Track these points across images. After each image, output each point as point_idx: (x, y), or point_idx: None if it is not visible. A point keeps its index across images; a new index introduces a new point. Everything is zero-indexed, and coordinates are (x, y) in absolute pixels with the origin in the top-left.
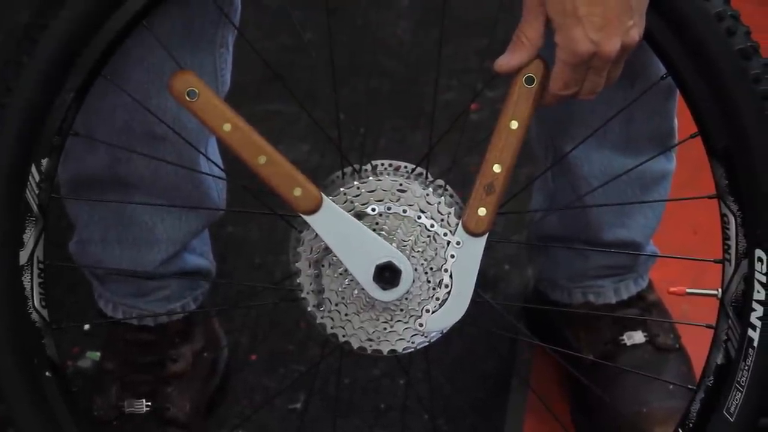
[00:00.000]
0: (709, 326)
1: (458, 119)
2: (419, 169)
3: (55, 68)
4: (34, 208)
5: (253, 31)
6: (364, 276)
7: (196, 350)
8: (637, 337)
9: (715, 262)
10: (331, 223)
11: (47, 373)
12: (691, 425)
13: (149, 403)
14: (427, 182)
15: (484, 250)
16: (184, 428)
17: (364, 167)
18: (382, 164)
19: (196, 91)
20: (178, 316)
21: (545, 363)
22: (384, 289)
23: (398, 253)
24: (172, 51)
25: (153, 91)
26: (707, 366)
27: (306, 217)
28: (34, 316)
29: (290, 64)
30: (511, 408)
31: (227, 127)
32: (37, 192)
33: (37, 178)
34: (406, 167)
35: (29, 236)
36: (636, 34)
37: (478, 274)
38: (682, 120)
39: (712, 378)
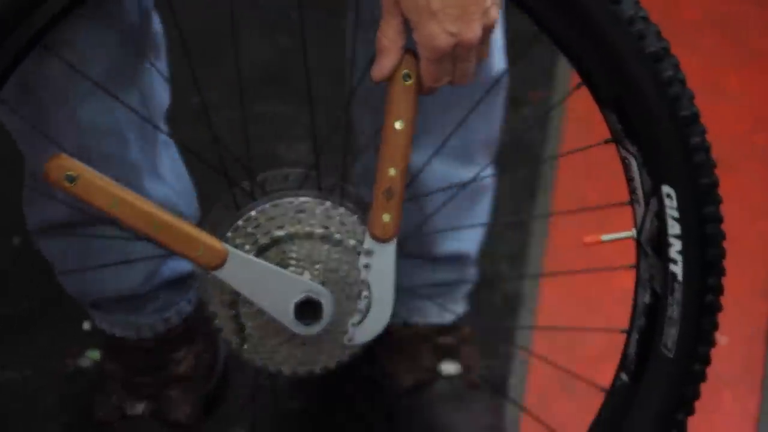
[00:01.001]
0: (631, 267)
1: (339, 118)
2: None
3: None
4: None
5: (251, 31)
6: (285, 316)
7: (197, 352)
8: (453, 368)
9: (624, 204)
10: (240, 271)
11: None
12: (633, 367)
13: (151, 406)
14: (322, 191)
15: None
16: (185, 430)
17: (248, 186)
18: (272, 176)
19: (74, 174)
20: (175, 321)
21: (543, 363)
22: (307, 324)
23: (314, 286)
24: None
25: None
26: (636, 306)
27: (215, 273)
28: None
29: (288, 64)
30: (508, 408)
31: (115, 203)
32: None
33: None
34: (295, 173)
35: None
36: (495, 12)
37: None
38: None
39: (643, 318)
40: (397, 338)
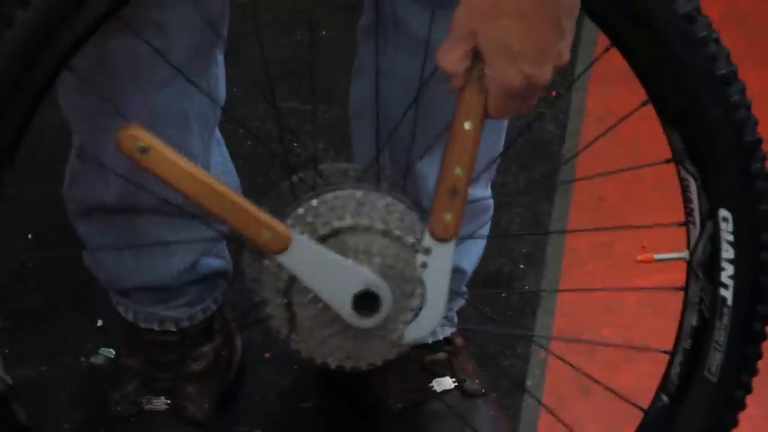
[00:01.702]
0: (680, 288)
1: (404, 116)
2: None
3: None
4: None
5: (269, 28)
6: (343, 307)
7: (216, 349)
8: (446, 382)
9: (679, 225)
10: (303, 258)
11: None
12: (674, 389)
13: (168, 401)
14: (381, 185)
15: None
16: (201, 426)
17: (310, 175)
18: (328, 169)
19: (146, 146)
20: (200, 317)
21: (561, 363)
22: (365, 316)
23: (375, 278)
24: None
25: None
26: (682, 329)
27: (277, 257)
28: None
29: (306, 60)
30: (525, 407)
31: (185, 179)
32: None
33: None
34: (353, 168)
35: None
36: (567, 54)
37: (494, 274)
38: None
39: (689, 340)
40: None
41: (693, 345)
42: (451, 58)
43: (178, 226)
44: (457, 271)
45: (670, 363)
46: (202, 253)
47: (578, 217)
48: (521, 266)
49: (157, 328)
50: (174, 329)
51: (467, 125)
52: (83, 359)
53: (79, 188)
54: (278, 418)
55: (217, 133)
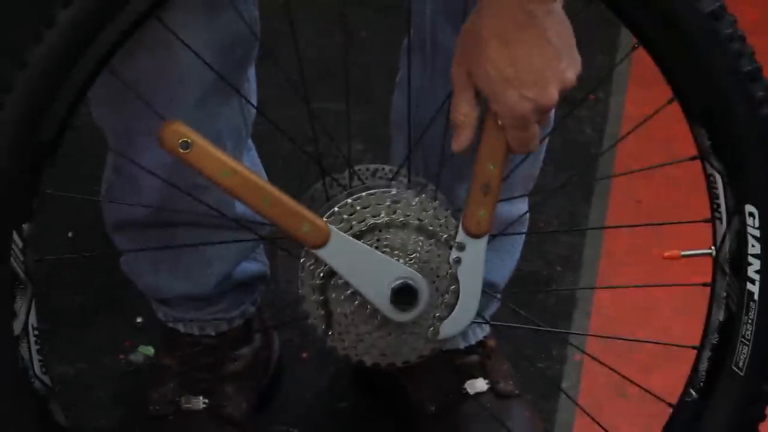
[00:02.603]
0: (706, 284)
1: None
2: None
3: (23, 135)
4: (21, 275)
5: (306, 29)
6: (381, 301)
7: (254, 350)
8: (480, 385)
9: (705, 221)
10: (341, 253)
11: None
12: (701, 384)
13: (206, 401)
14: (412, 184)
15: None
16: (238, 426)
17: (343, 176)
18: (359, 169)
19: (189, 141)
20: (238, 321)
21: (596, 366)
22: (402, 310)
23: (412, 272)
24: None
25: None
26: (709, 324)
27: (316, 252)
28: (37, 384)
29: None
30: (561, 410)
31: (226, 174)
32: (22, 258)
33: (20, 244)
34: (384, 169)
35: (20, 305)
36: (572, 73)
37: (531, 275)
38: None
39: (716, 335)
40: (417, 364)
41: (720, 340)
42: (461, 110)
43: (213, 237)
44: (488, 285)
45: (698, 358)
46: (239, 261)
47: (615, 220)
48: (558, 268)
49: (197, 333)
50: (213, 333)
51: (491, 167)
52: (122, 357)
53: (113, 199)
54: (314, 418)
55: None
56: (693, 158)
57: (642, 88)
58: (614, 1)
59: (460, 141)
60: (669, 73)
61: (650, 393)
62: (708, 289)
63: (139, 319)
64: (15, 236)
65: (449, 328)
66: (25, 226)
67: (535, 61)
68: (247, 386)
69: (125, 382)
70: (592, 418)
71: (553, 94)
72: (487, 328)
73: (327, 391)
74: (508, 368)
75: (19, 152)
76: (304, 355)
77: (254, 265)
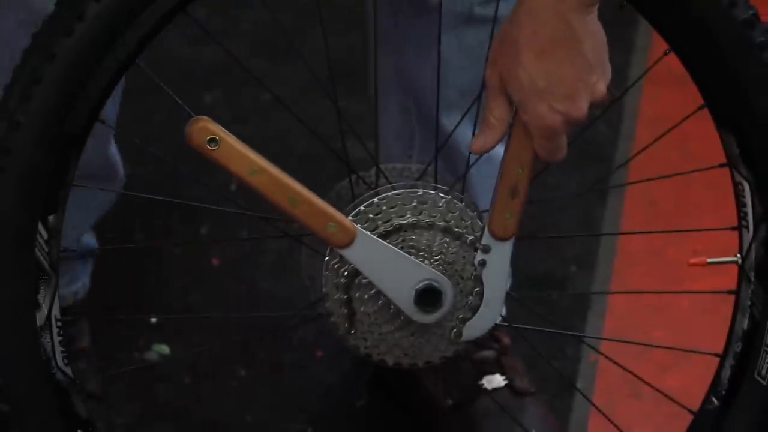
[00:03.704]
0: (731, 292)
1: (463, 117)
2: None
3: (52, 123)
4: (46, 266)
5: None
6: (405, 302)
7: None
8: (497, 380)
9: (731, 229)
10: (367, 253)
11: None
12: (723, 392)
13: None
14: (437, 185)
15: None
16: (100, 400)
17: (369, 174)
18: (386, 168)
19: (217, 138)
20: (81, 294)
21: (611, 365)
22: (426, 312)
23: (437, 274)
24: None
25: None
26: (733, 332)
27: (341, 251)
28: (59, 376)
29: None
30: (575, 409)
31: (253, 172)
32: (47, 250)
33: (45, 235)
34: (410, 169)
35: (44, 296)
36: (602, 86)
37: (545, 275)
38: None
39: (740, 343)
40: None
41: (743, 348)
42: (494, 113)
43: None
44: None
45: (721, 365)
46: (91, 224)
47: (631, 221)
48: (572, 268)
49: None
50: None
51: (519, 170)
52: (137, 355)
53: None
54: (330, 417)
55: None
56: (721, 165)
57: (658, 86)
58: (646, 7)
59: (485, 142)
60: (699, 80)
61: (665, 395)
62: (725, 292)
63: (153, 319)
64: (40, 227)
65: (472, 329)
66: (50, 218)
67: (568, 74)
68: (94, 362)
69: (140, 379)
70: (607, 417)
71: (583, 107)
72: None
73: (342, 389)
74: (522, 366)
75: (47, 144)
76: (319, 353)
77: (90, 238)
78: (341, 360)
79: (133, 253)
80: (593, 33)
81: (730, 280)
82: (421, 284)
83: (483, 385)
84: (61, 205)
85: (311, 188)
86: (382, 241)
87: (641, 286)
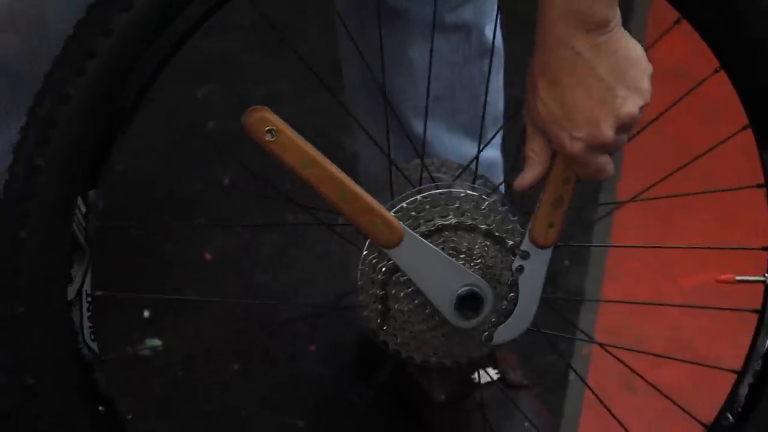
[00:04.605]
0: (755, 311)
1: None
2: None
3: (104, 98)
4: (82, 241)
5: (317, 21)
6: (446, 306)
7: None
8: (490, 374)
9: (762, 249)
10: (412, 254)
11: (100, 408)
12: (739, 409)
13: None
14: (480, 184)
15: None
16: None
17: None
18: (431, 163)
19: (274, 129)
20: None
21: (604, 359)
22: (466, 317)
23: (480, 281)
24: None
25: None
26: (754, 350)
27: (388, 251)
28: (85, 350)
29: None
30: (568, 403)
31: (306, 165)
32: (84, 225)
33: (84, 210)
34: (451, 163)
35: (77, 270)
36: (631, 107)
37: None
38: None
39: (760, 362)
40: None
41: (763, 367)
42: (531, 146)
43: None
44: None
45: (738, 382)
46: None
47: (624, 215)
48: (566, 262)
49: None
50: None
51: (565, 182)
52: (130, 349)
53: None
54: (322, 410)
55: None
56: (759, 186)
57: (656, 84)
58: (701, 26)
59: (525, 177)
60: (746, 98)
61: (658, 390)
62: (750, 311)
63: (146, 313)
64: (80, 201)
65: (504, 334)
66: (90, 193)
67: (583, 100)
68: None
69: (133, 373)
70: (603, 405)
71: (606, 133)
72: None
73: (334, 383)
74: (515, 359)
75: (95, 118)
76: (313, 347)
77: None
78: (335, 354)
79: (127, 247)
80: (612, 54)
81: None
82: (464, 289)
83: (476, 378)
84: (102, 180)
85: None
86: (429, 244)
87: (635, 280)
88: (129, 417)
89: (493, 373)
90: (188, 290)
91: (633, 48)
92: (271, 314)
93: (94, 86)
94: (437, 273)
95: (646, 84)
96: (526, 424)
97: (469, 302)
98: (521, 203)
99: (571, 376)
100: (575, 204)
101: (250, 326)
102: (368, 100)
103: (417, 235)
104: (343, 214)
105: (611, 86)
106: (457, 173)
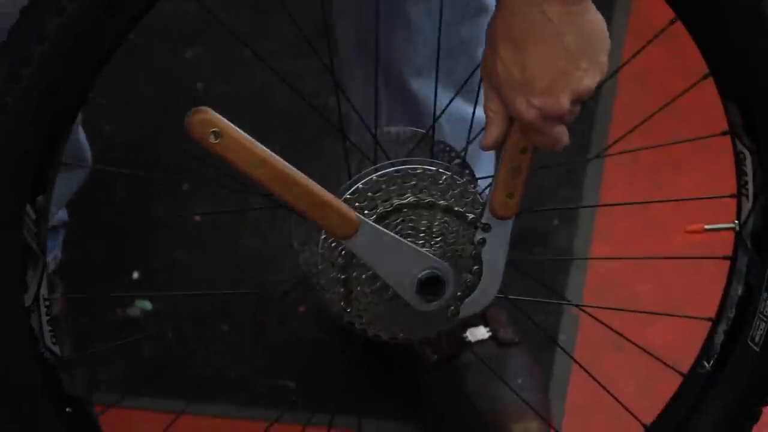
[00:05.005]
0: (726, 258)
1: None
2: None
3: (42, 104)
4: (34, 247)
5: None
6: (407, 290)
7: (64, 297)
8: (480, 332)
9: (730, 197)
10: (369, 242)
11: (67, 409)
12: (715, 356)
13: None
14: (439, 150)
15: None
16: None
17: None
18: (383, 135)
19: (219, 131)
20: (53, 266)
21: (592, 319)
22: (428, 300)
23: (440, 263)
24: None
25: None
26: (728, 297)
27: (344, 242)
28: (47, 355)
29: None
30: (557, 362)
31: (256, 165)
32: (35, 231)
33: (34, 216)
34: (406, 132)
35: (32, 277)
36: (590, 80)
37: (527, 229)
38: None
39: (734, 309)
40: None
41: (737, 314)
42: (491, 106)
43: None
44: None
45: (713, 330)
46: (63, 204)
47: (612, 175)
48: (555, 222)
49: None
50: None
51: (522, 151)
52: (120, 311)
53: None
54: (312, 372)
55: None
56: (723, 133)
57: (640, 41)
58: None
59: (488, 137)
60: (705, 48)
61: (648, 352)
62: (721, 258)
63: (135, 274)
64: (28, 208)
65: (470, 307)
66: (39, 198)
67: (546, 67)
68: (65, 331)
69: (123, 336)
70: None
71: (563, 104)
72: None
73: (325, 345)
74: (506, 317)
75: (36, 123)
76: (302, 308)
77: (63, 212)
78: (324, 315)
79: (116, 211)
80: (580, 25)
81: (707, 236)
82: (424, 273)
83: (467, 337)
84: (50, 185)
85: (294, 145)
86: (385, 230)
87: (623, 239)
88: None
89: (484, 331)
90: (177, 252)
91: (599, 20)
92: (260, 276)
93: (30, 93)
94: (396, 259)
95: (605, 58)
96: (519, 381)
97: (430, 286)
98: None
99: (561, 336)
100: (563, 160)
101: (238, 287)
102: (361, 60)
103: (373, 223)
104: (297, 210)
105: (575, 57)
106: (412, 143)
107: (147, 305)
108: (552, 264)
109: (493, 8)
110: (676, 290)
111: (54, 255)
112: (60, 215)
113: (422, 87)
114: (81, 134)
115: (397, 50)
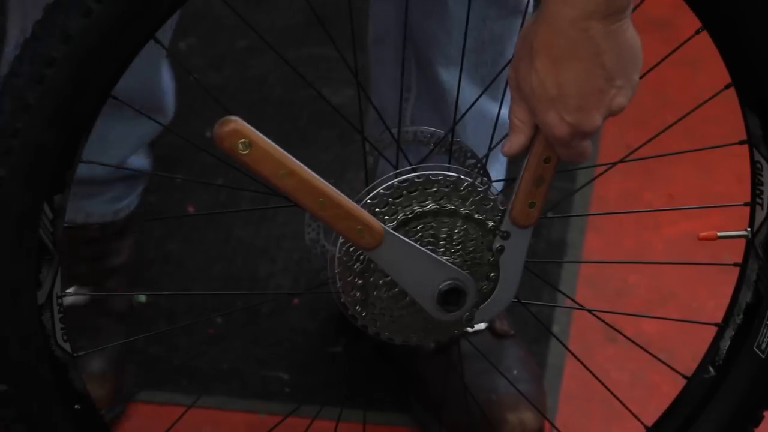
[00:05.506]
0: (736, 264)
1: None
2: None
3: (64, 104)
4: (49, 245)
5: None
6: (428, 301)
7: (131, 245)
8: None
9: (744, 205)
10: (394, 254)
11: (76, 406)
12: (720, 362)
13: (89, 294)
14: (457, 156)
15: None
16: (120, 318)
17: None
18: (405, 131)
19: (248, 141)
20: (124, 214)
21: (586, 313)
22: (448, 310)
23: (462, 274)
24: None
25: None
26: (735, 304)
27: (369, 253)
28: (58, 352)
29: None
30: (552, 353)
31: (283, 175)
32: (51, 230)
33: (51, 215)
34: (424, 132)
35: (46, 275)
36: (624, 98)
37: None
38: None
39: (741, 316)
40: None
41: (745, 321)
42: (517, 114)
43: (115, 120)
44: None
45: (719, 336)
46: (137, 148)
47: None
48: (548, 213)
49: (82, 221)
50: (99, 223)
51: (546, 161)
52: None
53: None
54: (306, 363)
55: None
56: (741, 143)
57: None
58: None
59: (512, 145)
60: (728, 57)
61: (638, 345)
62: (732, 265)
63: None
64: (46, 207)
65: (485, 313)
66: (56, 198)
67: (583, 85)
68: (128, 280)
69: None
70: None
71: (595, 121)
72: None
73: (318, 336)
74: None
75: (57, 124)
76: (296, 300)
77: (141, 160)
78: (318, 307)
79: None
80: (620, 44)
81: (701, 226)
82: (446, 284)
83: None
84: (68, 184)
85: (289, 136)
86: (411, 242)
87: (617, 230)
88: None
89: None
90: (170, 243)
91: (635, 38)
92: (253, 268)
93: (53, 94)
94: (419, 270)
95: (638, 76)
96: (515, 371)
97: (451, 296)
98: None
99: (555, 326)
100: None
101: (232, 279)
102: (391, 45)
103: (398, 235)
104: (323, 221)
105: (612, 76)
106: (432, 144)
107: (141, 297)
108: (546, 255)
109: (530, 12)
110: (669, 281)
111: (127, 203)
112: (140, 162)
113: (450, 78)
114: (166, 77)
115: (431, 37)
